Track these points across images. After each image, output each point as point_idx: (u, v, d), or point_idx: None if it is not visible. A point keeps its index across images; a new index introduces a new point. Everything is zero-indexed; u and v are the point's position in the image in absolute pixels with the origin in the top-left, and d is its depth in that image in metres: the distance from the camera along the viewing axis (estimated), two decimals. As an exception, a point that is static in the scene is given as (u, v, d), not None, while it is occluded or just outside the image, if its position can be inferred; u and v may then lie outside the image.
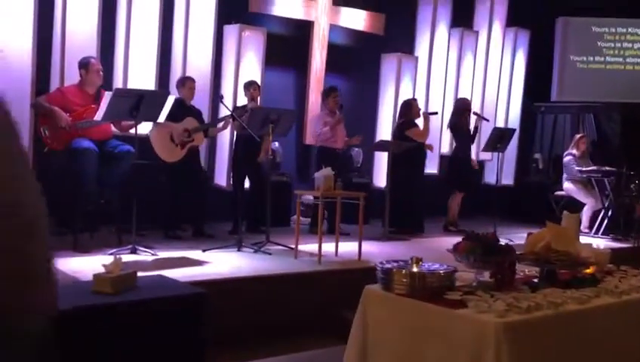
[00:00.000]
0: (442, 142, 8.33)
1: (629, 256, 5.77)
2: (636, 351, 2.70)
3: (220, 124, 5.95)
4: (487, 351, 2.17)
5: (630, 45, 9.55)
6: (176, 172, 5.60)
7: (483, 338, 2.19)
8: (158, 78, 6.17)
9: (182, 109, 5.69)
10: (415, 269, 2.55)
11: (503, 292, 2.48)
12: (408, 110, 6.85)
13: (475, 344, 2.22)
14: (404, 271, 2.53)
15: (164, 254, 4.72)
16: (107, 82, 5.50)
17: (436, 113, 7.27)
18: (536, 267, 2.83)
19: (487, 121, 7.52)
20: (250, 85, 6.17)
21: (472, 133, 7.35)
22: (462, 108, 7.36)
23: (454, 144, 7.53)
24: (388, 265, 2.61)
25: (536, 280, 2.77)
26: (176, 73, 6.33)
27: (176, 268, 4.22)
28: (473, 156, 7.57)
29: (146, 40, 6.09)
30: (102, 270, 3.04)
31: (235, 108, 6.19)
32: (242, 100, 6.38)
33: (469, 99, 7.86)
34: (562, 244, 2.80)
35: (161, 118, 5.14)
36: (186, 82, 5.81)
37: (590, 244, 3.32)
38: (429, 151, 7.13)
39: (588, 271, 2.88)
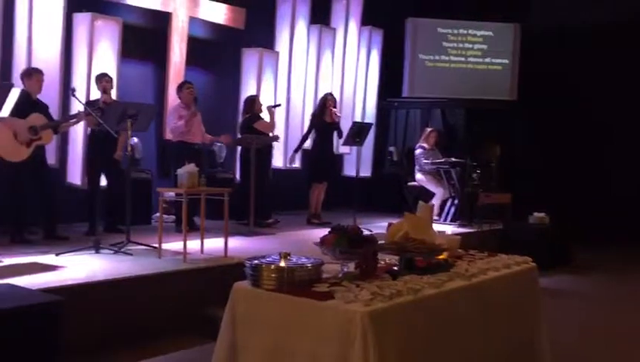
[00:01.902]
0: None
1: (475, 241, 6.32)
2: (482, 329, 2.95)
3: (72, 120, 5.59)
4: (354, 339, 2.26)
5: (471, 46, 10.37)
6: (22, 171, 5.19)
7: (351, 327, 2.28)
8: (0, 69, 5.66)
9: (27, 104, 5.27)
10: (283, 264, 2.58)
11: (367, 282, 2.59)
12: (252, 105, 7.07)
13: (343, 333, 2.29)
14: (272, 267, 2.56)
15: (11, 261, 4.35)
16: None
17: (279, 105, 7.47)
18: (396, 256, 2.99)
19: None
20: (102, 77, 5.88)
21: (336, 126, 7.51)
22: (323, 102, 7.54)
23: (314, 138, 7.70)
24: (256, 261, 2.62)
25: (396, 268, 2.93)
26: (19, 64, 5.83)
27: (27, 274, 3.91)
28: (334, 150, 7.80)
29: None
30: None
31: (88, 102, 5.87)
32: (95, 94, 6.05)
33: (330, 92, 8.03)
34: (419, 233, 2.99)
35: (5, 113, 4.71)
36: (34, 74, 5.38)
37: (443, 232, 3.56)
38: (282, 145, 7.30)
39: (441, 256, 3.10)
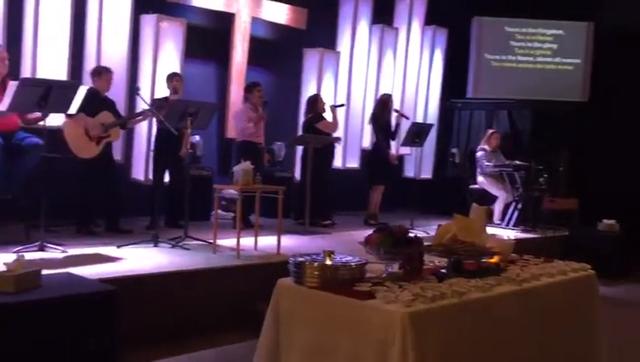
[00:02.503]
0: (364, 136, 8.48)
1: (534, 246, 6.10)
2: (537, 335, 2.84)
3: (139, 118, 5.79)
4: (394, 340, 2.23)
5: (540, 45, 10.03)
6: (91, 167, 5.40)
7: (390, 327, 2.25)
8: (71, 68, 5.93)
9: (96, 102, 5.48)
10: (326, 262, 2.57)
11: (411, 283, 2.55)
12: (314, 105, 7.04)
13: (383, 334, 2.27)
14: (315, 264, 2.55)
15: (75, 251, 4.54)
16: (14, 72, 5.21)
17: (343, 105, 7.46)
18: (444, 258, 2.92)
19: (408, 118, 7.69)
20: (172, 77, 6.05)
21: (392, 129, 7.49)
22: (382, 103, 7.51)
23: (374, 139, 7.67)
24: (300, 259, 2.62)
25: (443, 270, 2.86)
26: (90, 63, 6.09)
27: (88, 265, 4.07)
28: (393, 151, 7.73)
29: (57, 27, 5.83)
30: (3, 268, 2.90)
31: (155, 100, 6.04)
32: (163, 92, 6.23)
33: (390, 94, 8.00)
34: (468, 235, 2.92)
35: (72, 110, 4.92)
36: (103, 73, 5.59)
37: (495, 235, 3.46)
38: (342, 145, 7.30)
39: (492, 260, 3.01)
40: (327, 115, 7.05)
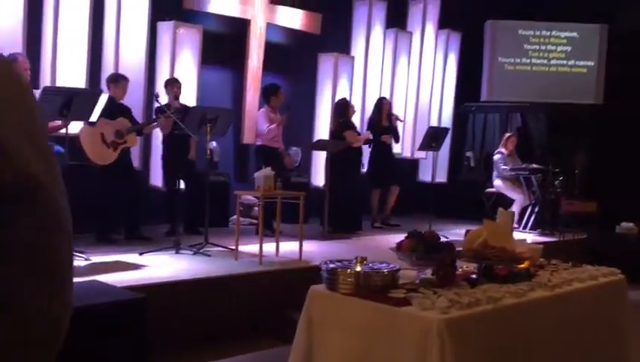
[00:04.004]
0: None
1: (557, 250, 6.05)
2: (568, 341, 2.82)
3: (154, 123, 5.80)
4: (432, 346, 2.22)
5: (554, 48, 9.99)
6: (109, 173, 5.42)
7: (428, 334, 2.24)
8: (89, 76, 5.96)
9: (113, 108, 5.51)
10: (359, 268, 2.57)
11: (444, 289, 2.54)
12: (345, 109, 6.98)
13: (420, 340, 2.26)
14: (349, 271, 2.55)
15: (97, 259, 4.56)
16: (33, 80, 5.25)
17: (403, 121, 7.51)
18: (474, 263, 2.91)
19: (402, 121, 7.69)
20: (173, 83, 6.02)
21: (392, 131, 7.47)
22: (376, 107, 7.52)
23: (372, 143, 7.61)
24: (332, 265, 2.62)
25: (474, 276, 2.85)
26: (107, 70, 6.12)
27: (112, 272, 4.08)
28: (408, 155, 7.72)
29: (76, 36, 5.86)
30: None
31: (157, 107, 6.01)
32: (181, 100, 6.25)
33: (384, 98, 7.95)
34: (498, 241, 2.90)
35: (94, 118, 4.95)
36: (120, 80, 5.61)
37: (524, 240, 3.44)
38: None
39: (522, 266, 2.99)
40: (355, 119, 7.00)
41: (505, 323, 2.51)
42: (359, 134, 7.17)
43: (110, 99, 5.54)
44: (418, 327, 2.27)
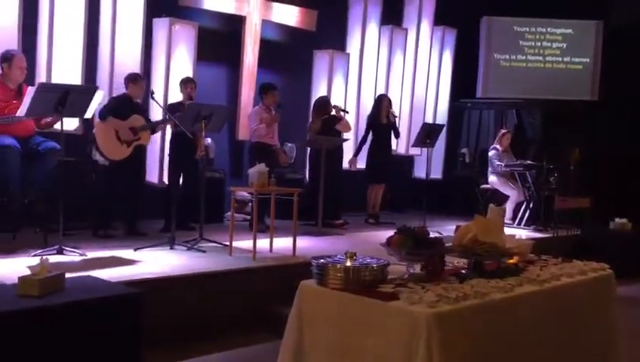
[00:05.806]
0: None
1: (549, 246, 6.09)
2: (557, 335, 2.86)
3: (164, 122, 5.87)
4: (419, 340, 2.25)
5: (549, 44, 10.02)
6: (121, 169, 5.48)
7: (415, 328, 2.27)
8: (85, 73, 5.98)
9: (128, 106, 5.58)
10: (349, 264, 2.60)
11: (433, 284, 2.57)
12: (326, 107, 7.05)
13: (408, 334, 2.29)
14: (338, 266, 2.58)
15: (93, 254, 4.58)
16: (29, 77, 5.26)
17: (347, 112, 7.44)
18: (464, 258, 2.94)
19: (396, 117, 7.67)
20: (187, 83, 6.07)
21: (392, 127, 7.52)
22: (375, 104, 7.52)
23: (371, 140, 7.64)
24: (322, 261, 2.65)
25: (464, 271, 2.88)
26: (103, 67, 6.15)
27: (106, 268, 4.10)
28: (403, 152, 7.75)
29: (71, 32, 5.88)
30: (27, 272, 2.93)
31: (170, 105, 6.08)
32: (175, 96, 6.27)
33: (384, 94, 7.98)
34: (488, 236, 2.92)
35: (88, 114, 4.98)
36: (139, 80, 5.68)
37: (514, 235, 3.47)
38: (347, 146, 7.39)
39: (511, 261, 3.02)
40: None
41: (492, 318, 2.54)
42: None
43: (128, 98, 5.62)
44: (406, 321, 2.30)
